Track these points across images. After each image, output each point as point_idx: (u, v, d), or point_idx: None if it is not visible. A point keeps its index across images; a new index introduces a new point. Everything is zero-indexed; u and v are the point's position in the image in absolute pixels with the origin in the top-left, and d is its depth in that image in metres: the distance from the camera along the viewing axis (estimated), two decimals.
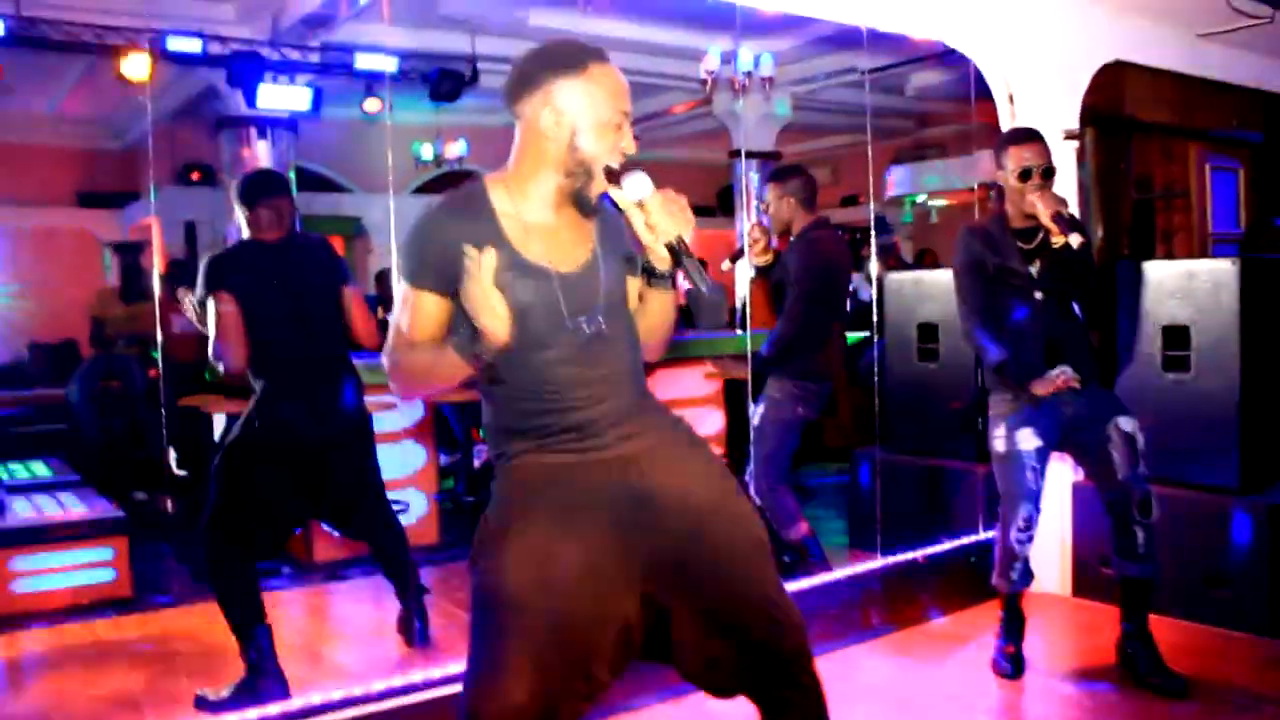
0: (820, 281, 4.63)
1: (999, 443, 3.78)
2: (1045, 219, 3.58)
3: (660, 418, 2.30)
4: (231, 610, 3.68)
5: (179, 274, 8.42)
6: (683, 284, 2.23)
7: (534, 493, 2.16)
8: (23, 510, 5.26)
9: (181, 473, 6.57)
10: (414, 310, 2.13)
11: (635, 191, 2.10)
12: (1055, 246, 3.60)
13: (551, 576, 2.07)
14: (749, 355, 4.81)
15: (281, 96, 8.50)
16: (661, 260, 2.16)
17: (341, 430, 3.94)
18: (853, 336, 8.19)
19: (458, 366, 2.05)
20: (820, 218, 4.80)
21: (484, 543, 2.18)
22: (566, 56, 2.12)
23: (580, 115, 2.10)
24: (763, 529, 2.30)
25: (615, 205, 2.19)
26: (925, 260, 10.33)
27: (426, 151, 11.85)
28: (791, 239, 4.74)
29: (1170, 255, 6.27)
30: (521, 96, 2.14)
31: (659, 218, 2.09)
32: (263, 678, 3.64)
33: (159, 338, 6.23)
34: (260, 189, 3.91)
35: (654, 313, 2.29)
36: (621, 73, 2.16)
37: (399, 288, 2.17)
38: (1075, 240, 3.53)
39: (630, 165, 2.14)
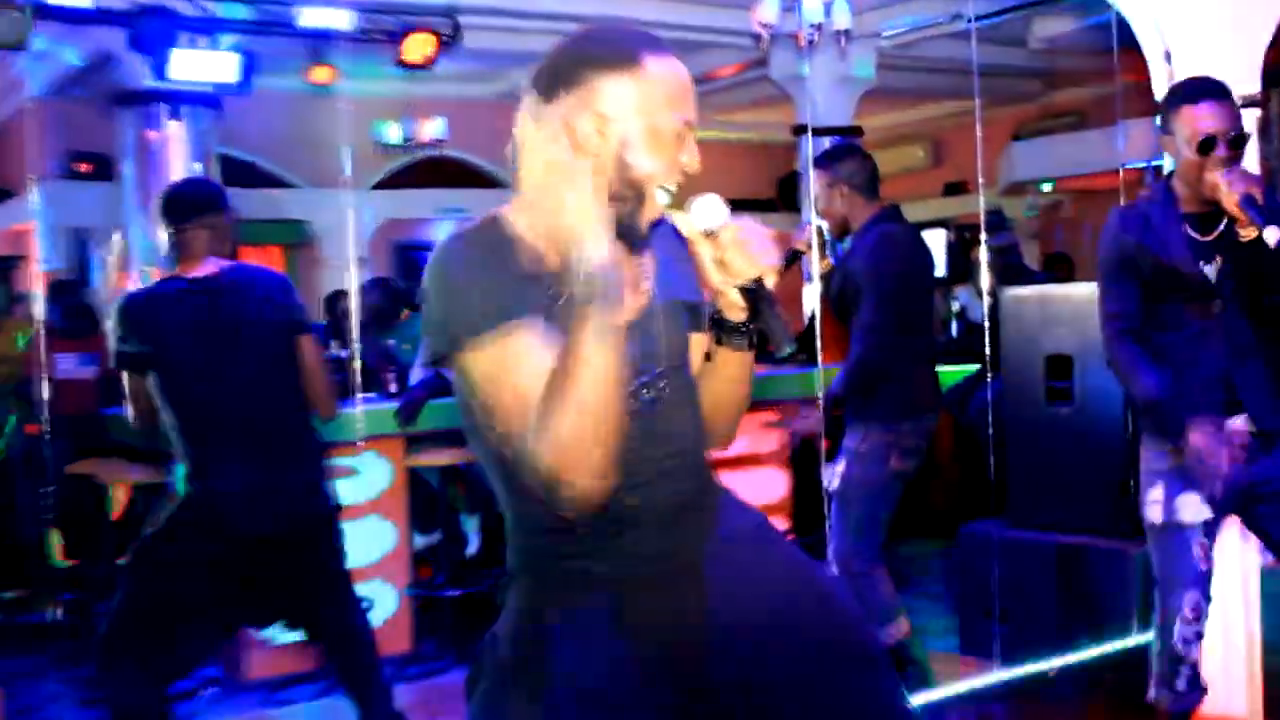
0: (899, 285, 4.65)
1: (1154, 510, 3.75)
2: (1230, 204, 3.44)
3: (727, 504, 2.32)
4: None
5: (65, 297, 8.54)
6: None
7: (565, 619, 2.16)
8: None
9: (68, 563, 6.61)
10: (510, 365, 2.00)
11: (705, 218, 2.11)
12: (1243, 240, 3.48)
13: None
14: (820, 398, 4.82)
15: (201, 65, 8.56)
16: (735, 309, 2.17)
17: (296, 520, 4.00)
18: (954, 372, 8.20)
19: (598, 350, 1.92)
20: (887, 206, 4.84)
21: (502, 685, 2.20)
22: (615, 47, 2.10)
23: (631, 123, 2.08)
24: (873, 637, 2.35)
25: (679, 235, 2.21)
26: (1057, 269, 10.31)
27: (393, 133, 11.93)
28: (851, 238, 4.77)
29: None
30: (554, 95, 2.12)
31: (734, 254, 2.10)
32: None
33: (42, 383, 6.29)
34: (191, 205, 4.00)
35: (724, 379, 2.30)
36: (685, 69, 2.15)
37: (463, 370, 2.06)
38: (1272, 236, 3.36)
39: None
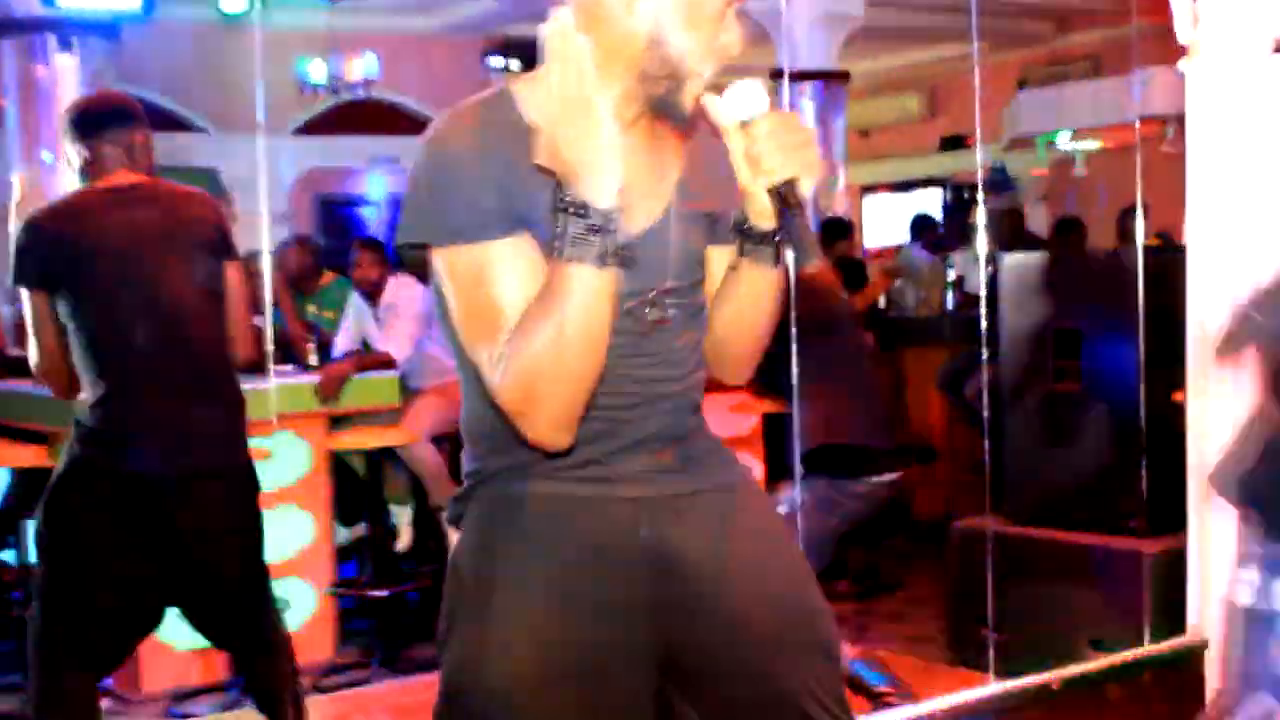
0: None
1: (1244, 592, 3.68)
2: None
3: (713, 450, 2.34)
4: None
5: None
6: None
7: (529, 538, 2.18)
8: None
9: None
10: (490, 277, 2.01)
11: (741, 106, 2.06)
12: None
13: (553, 663, 2.13)
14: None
15: None
16: (762, 215, 2.13)
17: (212, 465, 3.98)
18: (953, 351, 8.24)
19: (580, 305, 1.92)
20: None
21: (460, 607, 2.22)
22: None
23: (666, 7, 2.02)
24: (831, 629, 2.35)
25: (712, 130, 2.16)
26: (1069, 234, 10.36)
27: (317, 71, 11.88)
28: None
29: None
30: None
31: (768, 148, 2.04)
32: None
33: None
34: (104, 118, 3.98)
35: (745, 297, 2.27)
36: None
37: (441, 264, 2.06)
38: None
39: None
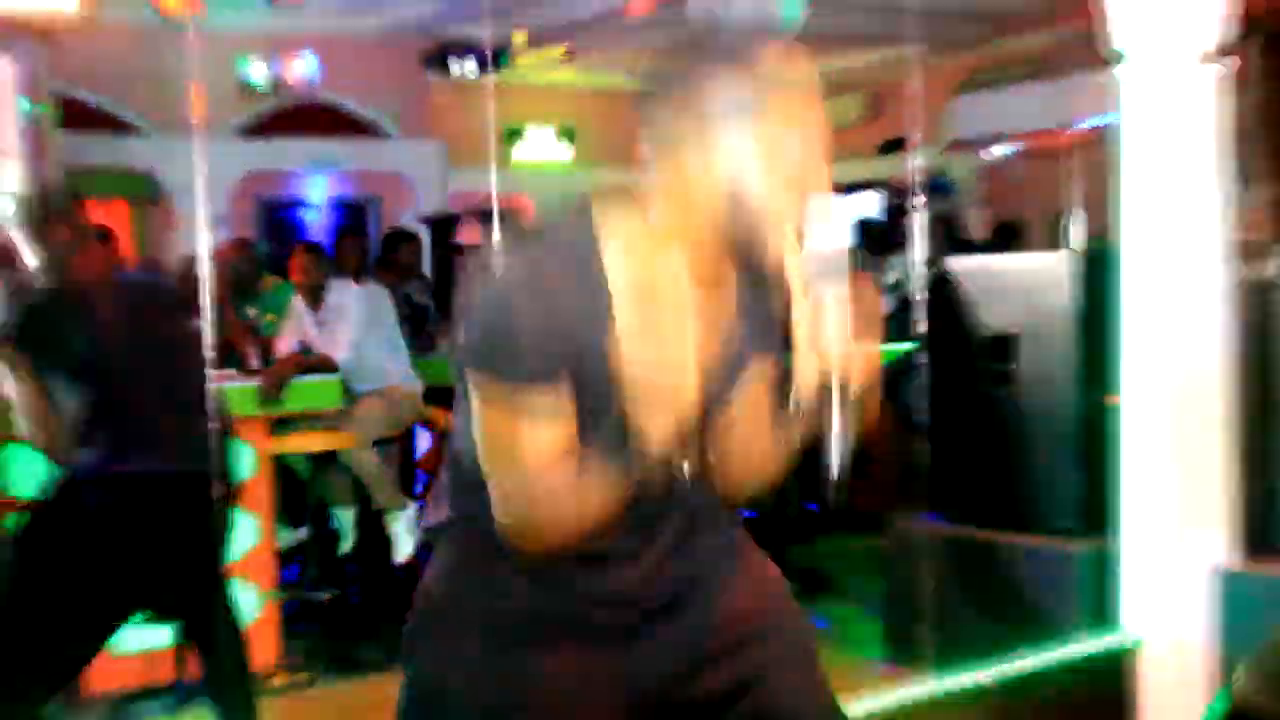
0: None
1: None
2: None
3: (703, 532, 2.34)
4: None
5: None
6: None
7: (507, 584, 2.23)
8: None
9: None
10: (520, 417, 2.03)
11: (820, 271, 1.97)
12: None
13: (517, 693, 2.22)
14: None
15: None
16: (803, 387, 2.03)
17: (186, 468, 4.09)
18: (888, 351, 8.31)
19: (609, 484, 2.02)
20: None
21: (430, 625, 2.31)
22: (733, 77, 1.98)
23: (748, 161, 1.97)
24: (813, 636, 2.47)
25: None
26: (1007, 238, 10.45)
27: (258, 72, 11.85)
28: None
29: None
30: (658, 117, 2.05)
31: (832, 326, 1.97)
32: None
33: None
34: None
35: (751, 433, 2.26)
36: (816, 79, 2.04)
37: (477, 381, 2.07)
38: None
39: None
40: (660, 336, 1.98)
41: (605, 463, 2.00)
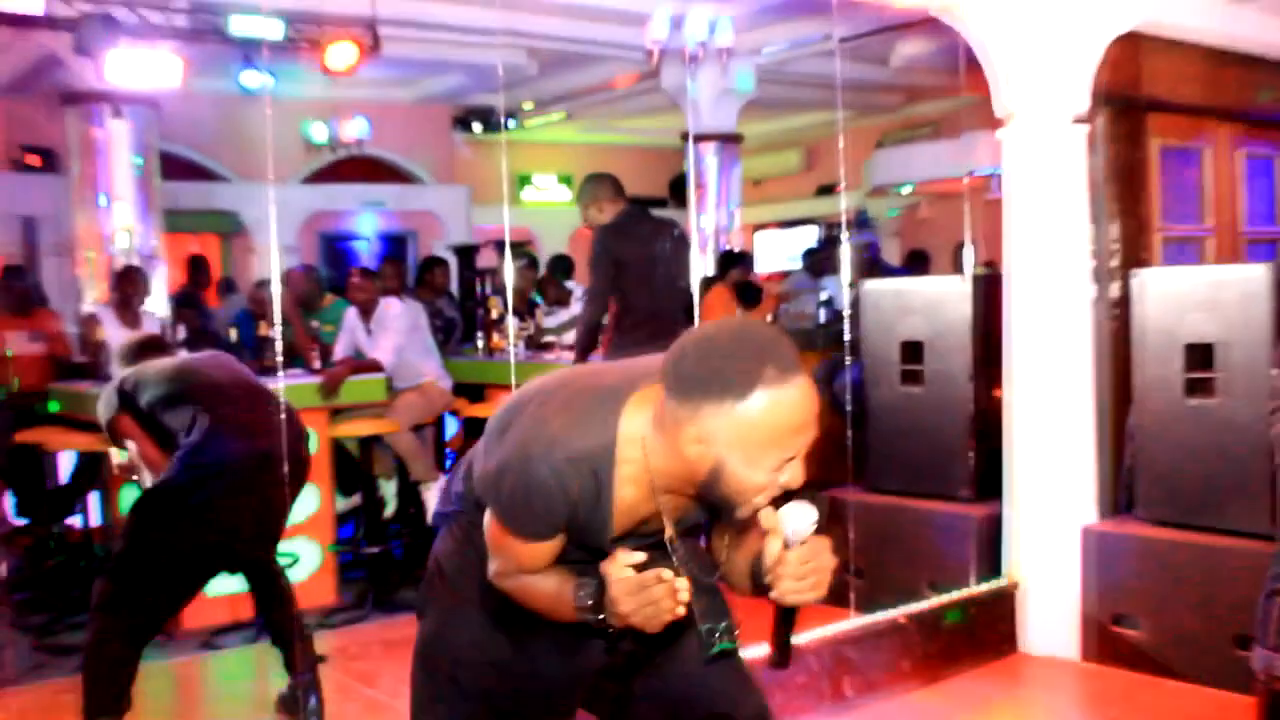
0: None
1: None
2: None
3: None
4: (96, 695, 3.69)
5: (14, 279, 8.38)
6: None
7: None
8: None
9: (20, 521, 6.53)
10: (524, 552, 2.11)
11: (791, 524, 1.90)
12: None
13: (497, 651, 2.30)
14: None
15: (141, 67, 8.45)
16: (750, 590, 2.08)
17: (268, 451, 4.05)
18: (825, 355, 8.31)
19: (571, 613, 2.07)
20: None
21: (436, 594, 2.37)
22: (729, 373, 1.86)
23: (727, 450, 1.88)
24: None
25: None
26: (917, 264, 10.44)
27: (319, 132, 11.82)
28: None
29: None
30: (672, 405, 1.93)
31: (795, 572, 1.92)
32: None
33: None
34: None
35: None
36: (803, 401, 1.89)
37: (495, 522, 2.10)
38: None
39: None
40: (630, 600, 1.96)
41: (567, 601, 2.05)
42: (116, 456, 4.33)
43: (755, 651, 2.45)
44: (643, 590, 1.91)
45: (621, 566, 1.93)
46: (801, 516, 1.89)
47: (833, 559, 1.94)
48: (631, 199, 6.00)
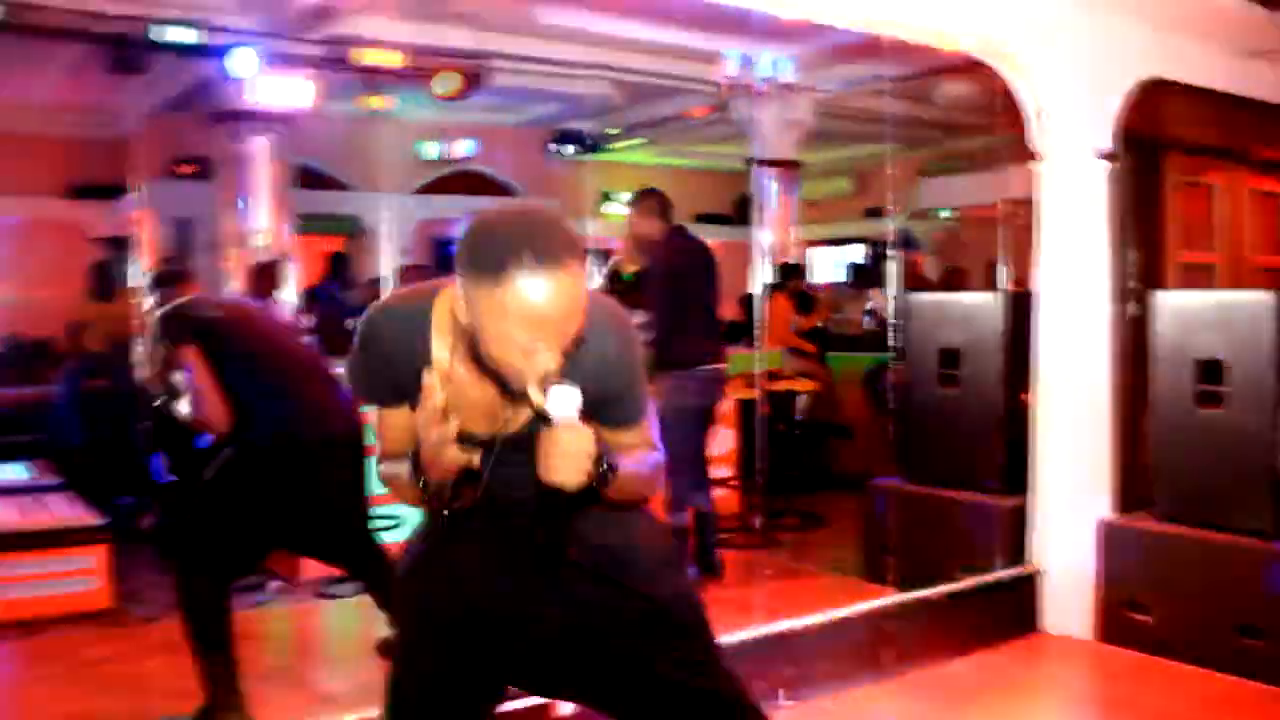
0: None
1: None
2: None
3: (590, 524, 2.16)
4: (195, 636, 3.63)
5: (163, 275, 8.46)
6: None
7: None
8: (1, 515, 5.26)
9: (170, 478, 6.58)
10: (381, 422, 2.12)
11: (555, 405, 1.80)
12: None
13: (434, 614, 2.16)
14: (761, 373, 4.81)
15: (280, 91, 8.52)
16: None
17: (336, 434, 3.90)
18: (865, 357, 8.21)
19: (408, 484, 2.02)
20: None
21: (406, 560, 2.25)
22: (490, 257, 1.77)
23: (487, 327, 1.80)
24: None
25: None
26: (954, 279, 10.30)
27: (431, 150, 11.88)
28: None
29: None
30: (458, 271, 1.85)
31: (551, 451, 1.81)
32: (223, 710, 3.60)
33: (137, 338, 6.26)
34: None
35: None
36: (552, 291, 1.76)
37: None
38: None
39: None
40: (447, 384, 1.91)
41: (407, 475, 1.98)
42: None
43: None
44: (431, 413, 1.85)
45: (429, 384, 1.86)
46: (563, 400, 1.79)
47: (589, 445, 1.81)
48: (699, 215, 5.90)
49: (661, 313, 5.21)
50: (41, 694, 4.13)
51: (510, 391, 1.89)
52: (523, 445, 1.93)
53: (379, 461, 2.12)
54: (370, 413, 2.13)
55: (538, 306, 1.74)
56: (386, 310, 2.03)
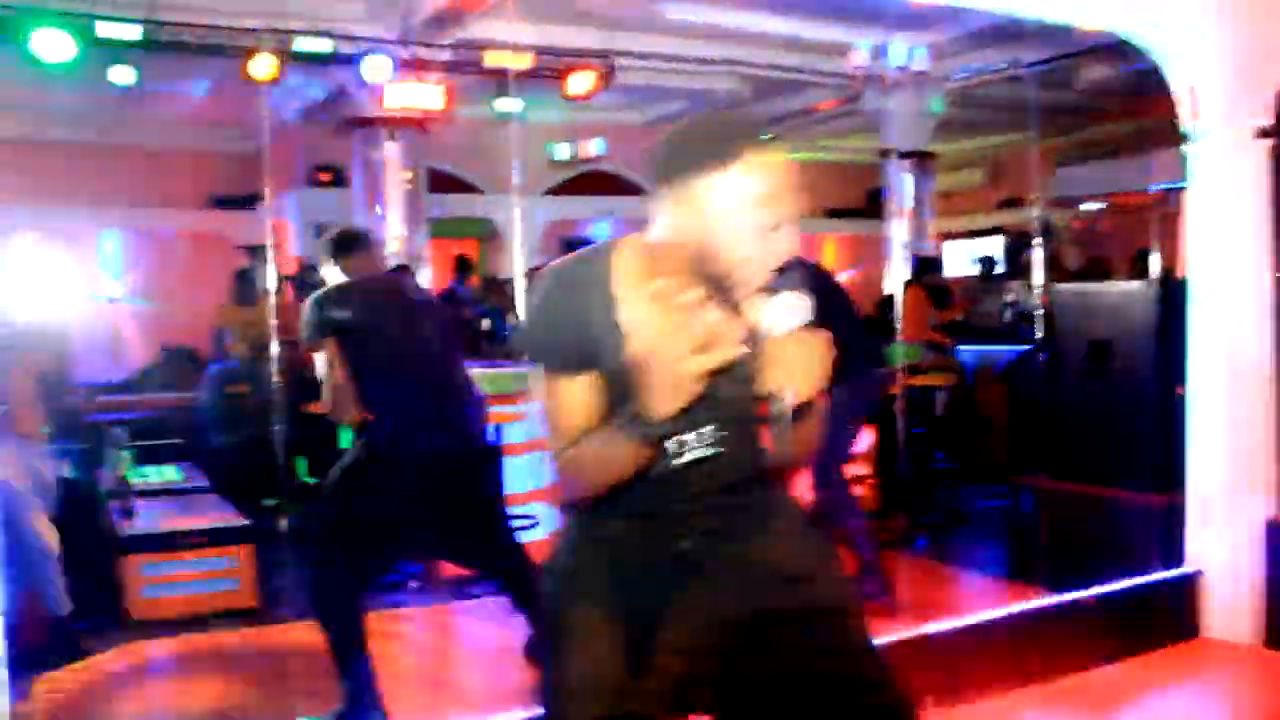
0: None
1: None
2: None
3: (771, 514, 2.07)
4: (330, 636, 3.65)
5: (307, 277, 8.63)
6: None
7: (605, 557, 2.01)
8: (152, 516, 5.42)
9: (311, 481, 6.69)
10: (558, 399, 1.92)
11: (780, 316, 1.73)
12: None
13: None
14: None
15: (412, 97, 8.63)
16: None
17: (464, 447, 3.89)
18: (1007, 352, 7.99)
19: (614, 456, 1.84)
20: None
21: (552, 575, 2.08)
22: (710, 146, 1.78)
23: (718, 220, 1.78)
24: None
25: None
26: (1097, 270, 9.98)
27: (562, 151, 11.93)
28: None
29: None
30: (659, 189, 1.85)
31: (780, 363, 1.73)
32: (360, 710, 3.61)
33: (274, 342, 6.38)
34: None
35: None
36: (783, 168, 1.78)
37: (535, 375, 1.93)
38: None
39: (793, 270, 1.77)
40: (659, 330, 1.75)
41: (620, 435, 1.79)
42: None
43: None
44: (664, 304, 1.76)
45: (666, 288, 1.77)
46: (787, 309, 1.73)
47: (818, 355, 1.73)
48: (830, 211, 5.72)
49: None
50: (189, 689, 4.20)
51: (734, 306, 1.82)
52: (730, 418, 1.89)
53: (560, 452, 1.91)
54: (536, 400, 1.95)
55: (775, 174, 1.78)
56: (564, 269, 1.94)
